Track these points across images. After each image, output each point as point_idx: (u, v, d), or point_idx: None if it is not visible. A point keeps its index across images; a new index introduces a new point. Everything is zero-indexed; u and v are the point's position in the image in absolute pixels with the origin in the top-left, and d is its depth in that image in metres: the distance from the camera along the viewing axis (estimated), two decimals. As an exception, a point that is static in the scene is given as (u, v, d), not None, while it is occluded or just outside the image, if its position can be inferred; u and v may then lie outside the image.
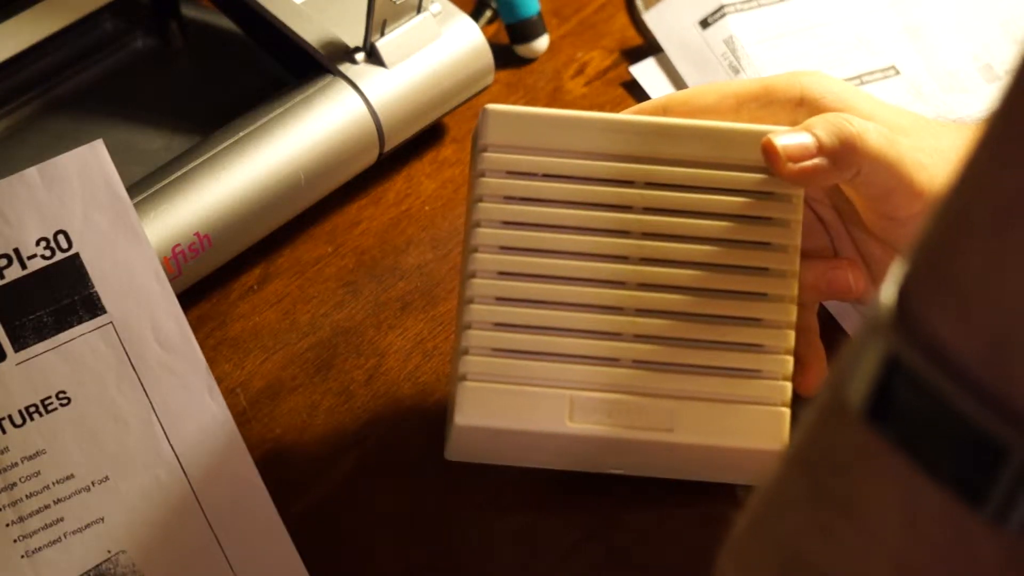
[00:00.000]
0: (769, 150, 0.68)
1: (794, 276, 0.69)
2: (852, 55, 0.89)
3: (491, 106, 0.70)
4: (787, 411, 0.67)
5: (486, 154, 0.69)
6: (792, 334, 0.68)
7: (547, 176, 0.69)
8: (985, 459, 0.40)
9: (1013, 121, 0.39)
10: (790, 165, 0.68)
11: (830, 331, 0.76)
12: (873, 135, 0.68)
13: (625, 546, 0.72)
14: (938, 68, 0.89)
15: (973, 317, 0.40)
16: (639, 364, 0.67)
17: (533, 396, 0.67)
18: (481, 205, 0.69)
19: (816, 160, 0.68)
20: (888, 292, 0.42)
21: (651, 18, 0.92)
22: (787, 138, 0.68)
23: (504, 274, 0.68)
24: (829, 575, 0.44)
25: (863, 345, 0.42)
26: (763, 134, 0.69)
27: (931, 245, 0.41)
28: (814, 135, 0.68)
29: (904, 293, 0.42)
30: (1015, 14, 0.91)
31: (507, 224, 0.69)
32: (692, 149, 0.69)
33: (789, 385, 0.67)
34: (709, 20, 0.91)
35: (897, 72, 0.89)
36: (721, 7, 0.91)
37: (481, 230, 0.69)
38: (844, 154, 0.68)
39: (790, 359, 0.68)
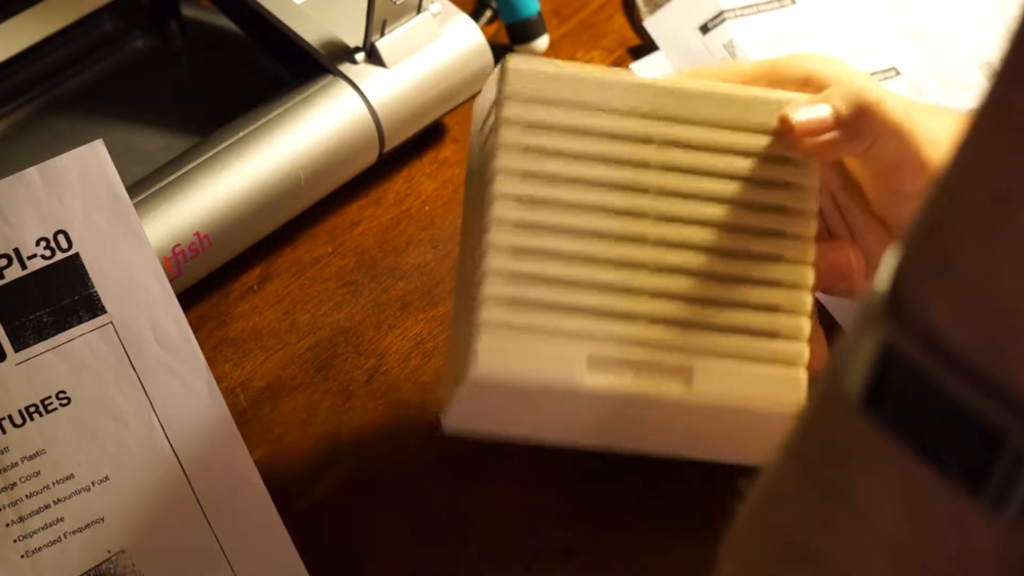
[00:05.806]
0: (784, 125, 0.68)
1: (810, 240, 0.68)
2: (852, 57, 0.89)
3: (512, 57, 0.68)
4: (805, 373, 0.66)
5: (508, 102, 0.67)
6: (809, 298, 0.67)
7: (566, 131, 0.69)
8: (982, 445, 0.40)
9: (1008, 107, 0.39)
10: (805, 140, 0.68)
11: (829, 329, 0.76)
12: (891, 104, 0.68)
13: (626, 545, 0.72)
14: (939, 67, 0.89)
15: (969, 303, 0.40)
16: (657, 320, 0.67)
17: (551, 349, 0.65)
18: (502, 154, 0.67)
19: (831, 135, 0.68)
20: (883, 279, 0.42)
21: (651, 24, 0.92)
22: (805, 112, 0.68)
23: (522, 226, 0.67)
24: (828, 563, 0.44)
25: (859, 333, 0.42)
26: (784, 101, 0.68)
27: (926, 231, 0.41)
28: (832, 105, 0.68)
29: (898, 280, 0.41)
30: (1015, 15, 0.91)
31: (527, 176, 0.67)
32: (711, 112, 0.69)
33: (807, 348, 0.67)
34: (709, 25, 0.91)
35: (898, 73, 0.89)
36: (721, 13, 0.91)
37: (500, 178, 0.67)
38: (861, 123, 0.68)
39: (807, 322, 0.67)
